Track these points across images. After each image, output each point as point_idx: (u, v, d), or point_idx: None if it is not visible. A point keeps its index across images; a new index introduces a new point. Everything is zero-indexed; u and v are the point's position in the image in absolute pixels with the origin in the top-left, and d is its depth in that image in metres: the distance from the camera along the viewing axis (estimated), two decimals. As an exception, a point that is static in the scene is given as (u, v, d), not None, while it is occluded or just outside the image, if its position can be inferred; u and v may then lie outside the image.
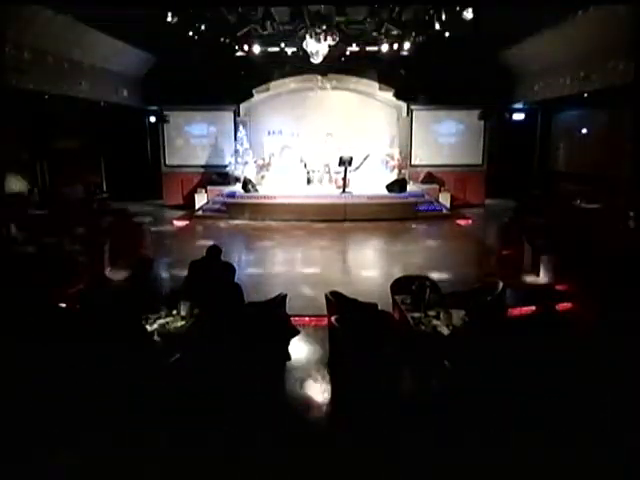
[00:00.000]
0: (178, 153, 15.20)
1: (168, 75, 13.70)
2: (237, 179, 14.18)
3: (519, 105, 14.97)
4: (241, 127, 14.42)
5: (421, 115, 15.04)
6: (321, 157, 13.83)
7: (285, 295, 5.25)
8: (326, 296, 5.17)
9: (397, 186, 13.30)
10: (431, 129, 15.08)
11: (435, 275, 6.04)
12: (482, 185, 14.90)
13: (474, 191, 14.87)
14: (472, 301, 4.93)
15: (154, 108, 14.93)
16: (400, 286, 5.52)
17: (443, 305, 4.90)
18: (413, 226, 11.88)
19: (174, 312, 4.80)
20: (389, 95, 14.94)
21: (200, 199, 13.94)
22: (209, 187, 14.16)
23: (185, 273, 5.55)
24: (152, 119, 15.24)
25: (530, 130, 15.44)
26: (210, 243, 5.74)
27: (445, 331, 4.54)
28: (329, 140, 13.84)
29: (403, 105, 15.00)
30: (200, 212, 13.32)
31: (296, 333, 5.15)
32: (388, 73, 14.20)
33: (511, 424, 3.89)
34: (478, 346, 4.19)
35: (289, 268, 8.62)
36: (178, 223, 12.52)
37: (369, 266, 8.96)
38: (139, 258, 8.10)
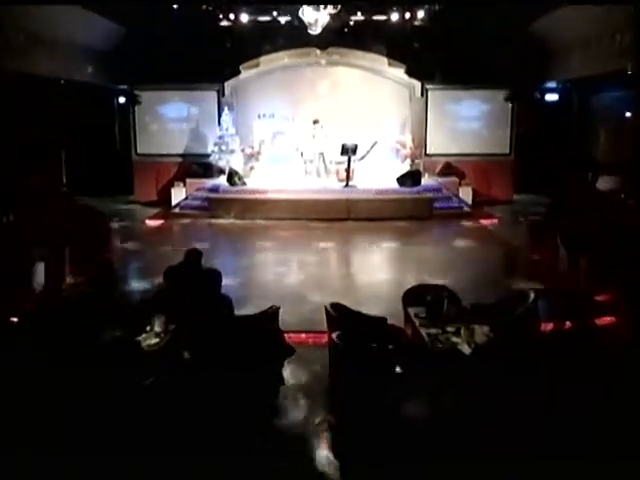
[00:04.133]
0: (152, 139, 15.21)
1: (140, 49, 13.69)
2: (221, 170, 14.18)
3: (552, 84, 15.00)
4: (226, 109, 14.44)
5: (438, 96, 15.07)
6: (314, 145, 13.85)
7: (278, 308, 5.24)
8: (326, 309, 5.16)
9: (409, 179, 13.31)
10: (449, 112, 15.11)
11: (454, 284, 6.03)
12: (509, 178, 14.92)
13: (500, 185, 14.89)
14: (498, 315, 4.92)
15: (123, 87, 14.94)
16: (413, 297, 5.51)
17: (464, 319, 4.89)
18: (428, 225, 11.90)
19: (147, 328, 4.78)
20: (400, 72, 14.97)
21: (177, 194, 13.94)
22: (188, 180, 14.17)
23: (159, 282, 5.53)
24: (121, 100, 15.26)
25: (565, 113, 15.47)
26: (189, 246, 5.73)
27: (466, 350, 4.53)
28: (319, 126, 13.83)
29: (416, 84, 15.03)
30: (177, 209, 13.31)
31: (291, 353, 5.13)
32: (399, 47, 14.25)
33: (543, 458, 3.88)
34: (505, 368, 4.17)
35: (282, 276, 8.61)
36: (151, 223, 12.51)
37: (376, 274, 8.95)
38: (103, 265, 8.10)
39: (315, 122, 13.74)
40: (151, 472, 3.88)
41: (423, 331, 4.88)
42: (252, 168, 14.33)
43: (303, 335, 6.07)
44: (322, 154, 13.85)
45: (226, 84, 15.04)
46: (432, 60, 14.20)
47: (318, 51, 14.67)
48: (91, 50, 13.65)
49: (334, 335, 4.79)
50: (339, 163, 13.83)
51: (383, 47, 14.64)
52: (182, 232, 11.89)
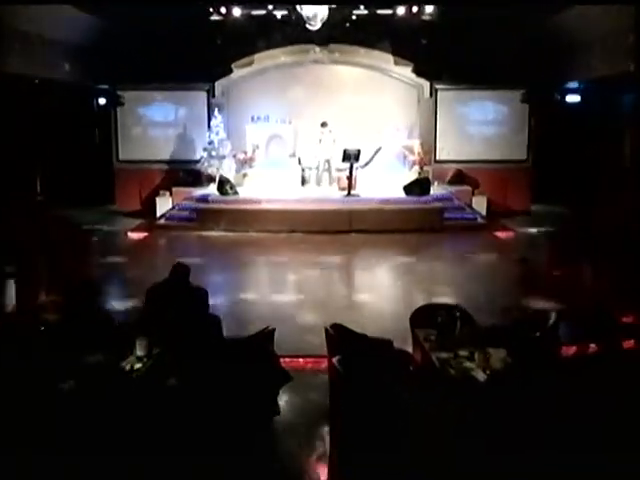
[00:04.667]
0: (135, 144, 15.29)
1: (123, 45, 13.78)
2: (211, 178, 14.24)
3: (573, 84, 15.08)
4: (216, 111, 14.53)
5: (448, 97, 15.17)
6: (320, 150, 13.91)
7: (273, 330, 5.23)
8: (326, 330, 5.15)
9: (417, 187, 13.36)
10: (461, 115, 15.22)
11: (467, 304, 6.03)
12: (527, 186, 14.97)
13: (517, 194, 14.94)
14: (516, 337, 4.91)
15: (104, 87, 15.01)
16: (422, 317, 5.50)
17: (478, 343, 4.88)
18: (438, 238, 11.91)
19: (129, 352, 4.77)
20: (407, 71, 15.09)
21: (163, 204, 13.99)
22: (174, 188, 14.22)
23: (142, 300, 5.53)
24: (102, 101, 15.33)
25: (588, 116, 15.54)
26: (175, 261, 5.73)
27: (481, 376, 4.51)
28: (327, 129, 13.92)
29: (425, 84, 15.14)
30: (163, 221, 13.34)
31: (287, 379, 5.12)
32: (406, 43, 14.35)
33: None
34: (524, 396, 4.16)
35: (278, 294, 8.60)
36: (134, 235, 12.53)
37: (381, 292, 8.95)
38: (81, 282, 8.07)
39: (323, 125, 13.85)
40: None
41: (433, 355, 4.86)
42: (245, 176, 14.39)
43: (301, 360, 6.05)
44: (328, 161, 13.87)
45: (217, 84, 15.15)
46: (442, 58, 14.22)
47: (317, 48, 14.78)
48: (68, 46, 13.71)
49: (335, 360, 4.78)
50: (340, 170, 13.89)
51: (388, 44, 14.77)
52: (168, 245, 11.90)
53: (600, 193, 13.77)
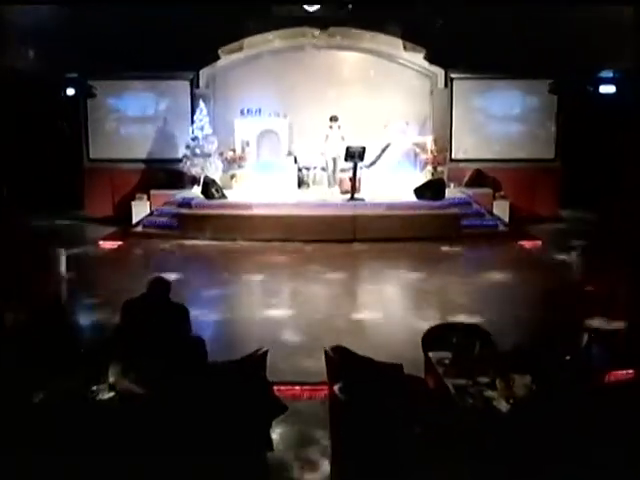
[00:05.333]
0: (108, 141, 15.35)
1: (94, 29, 13.85)
2: (195, 180, 14.28)
3: (608, 73, 15.14)
4: (201, 104, 14.59)
5: (466, 87, 15.26)
6: (328, 148, 13.96)
7: (265, 352, 5.22)
8: (326, 353, 5.15)
9: (431, 190, 13.38)
10: (480, 107, 15.30)
11: (487, 323, 6.03)
12: (556, 189, 15.04)
13: (544, 198, 15.00)
14: (543, 362, 4.91)
15: (73, 76, 15.05)
16: (436, 339, 5.50)
17: (500, 368, 4.87)
18: (454, 249, 11.92)
19: (100, 378, 4.76)
20: (418, 58, 15.16)
21: (139, 209, 14.02)
22: (153, 191, 14.25)
23: (115, 320, 5.53)
24: (70, 92, 15.35)
25: (625, 109, 15.57)
26: (154, 275, 5.74)
27: (503, 406, 4.51)
28: (337, 124, 13.97)
29: (439, 72, 15.22)
30: (139, 228, 13.35)
31: (282, 410, 5.11)
32: (417, 25, 14.42)
33: None
34: (552, 429, 4.16)
35: (271, 312, 8.59)
36: (106, 245, 12.53)
37: (389, 310, 8.94)
38: (45, 300, 8.07)
39: (333, 119, 13.94)
40: None
41: (449, 382, 4.85)
42: (233, 177, 14.42)
43: (297, 387, 6.04)
44: (335, 160, 13.97)
45: (201, 72, 15.22)
46: (458, 43, 14.26)
47: (316, 31, 14.89)
48: (31, 30, 13.77)
49: (336, 387, 4.77)
50: (342, 171, 13.94)
51: (397, 26, 14.84)
52: (145, 256, 11.89)
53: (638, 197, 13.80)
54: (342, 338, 6.87)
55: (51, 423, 4.28)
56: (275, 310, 8.73)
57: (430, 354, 5.38)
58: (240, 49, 15.18)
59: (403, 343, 6.89)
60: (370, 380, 4.77)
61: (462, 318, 7.71)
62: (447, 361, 5.13)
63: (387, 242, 12.00)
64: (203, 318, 8.01)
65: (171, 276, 6.15)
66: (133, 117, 15.40)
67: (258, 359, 5.16)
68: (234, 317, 8.46)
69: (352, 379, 4.79)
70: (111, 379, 4.76)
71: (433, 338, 5.57)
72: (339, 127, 13.96)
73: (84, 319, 8.22)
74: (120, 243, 12.61)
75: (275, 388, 5.27)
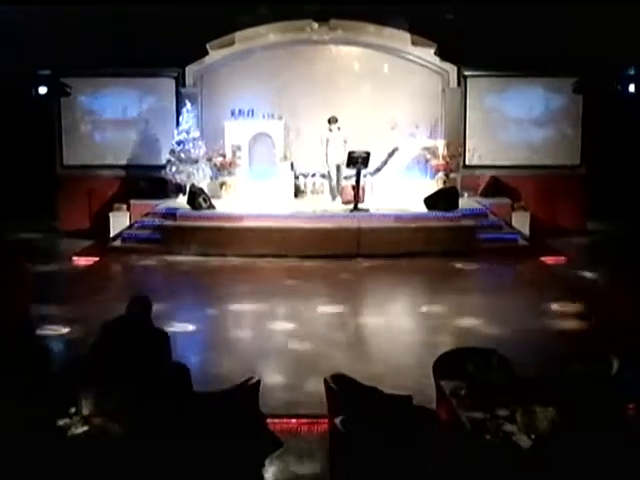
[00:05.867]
0: (83, 145, 15.40)
1: (68, 21, 13.90)
2: (180, 188, 14.29)
3: (638, 70, 15.19)
4: (188, 104, 14.61)
5: (481, 85, 15.32)
6: (329, 154, 13.96)
7: (258, 382, 5.20)
8: (326, 383, 5.13)
9: (442, 200, 13.39)
10: (497, 108, 15.35)
11: (506, 350, 5.99)
12: (582, 199, 15.05)
13: (569, 209, 15.02)
14: (569, 391, 4.89)
15: (45, 73, 15.08)
16: (449, 366, 5.48)
17: (521, 399, 4.85)
18: (468, 265, 11.91)
19: (71, 411, 4.74)
20: (428, 53, 15.21)
21: (118, 221, 14.03)
22: (133, 201, 14.26)
23: (90, 345, 5.50)
24: (42, 90, 15.39)
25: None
26: (134, 295, 5.72)
27: (524, 442, 4.48)
28: (336, 126, 13.98)
29: (451, 69, 15.27)
30: (118, 242, 13.34)
31: (276, 446, 5.08)
32: (426, 18, 14.48)
33: None
34: (578, 467, 4.13)
35: (264, 337, 8.57)
36: (80, 261, 12.51)
37: (396, 332, 8.92)
38: (14, 320, 8.04)
39: (331, 121, 13.92)
40: None
41: (464, 415, 4.83)
42: (223, 185, 14.43)
43: (293, 421, 6.02)
44: (339, 167, 13.89)
45: (188, 69, 15.26)
46: (473, 36, 14.30)
47: (315, 24, 14.95)
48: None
49: (337, 421, 4.76)
50: (345, 178, 13.96)
51: (404, 19, 14.91)
52: (124, 274, 11.88)
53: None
54: (343, 362, 6.87)
55: (15, 457, 4.25)
56: (269, 331, 8.72)
57: (442, 383, 5.36)
58: (231, 44, 15.23)
59: (412, 370, 6.86)
60: (375, 413, 4.75)
61: (476, 339, 7.68)
62: (461, 391, 5.11)
63: (394, 258, 12.00)
64: (187, 343, 7.99)
65: (152, 295, 6.12)
66: (111, 119, 15.43)
67: (250, 389, 5.13)
68: (224, 339, 8.44)
69: (355, 411, 4.77)
70: (84, 411, 4.73)
71: (446, 365, 5.54)
72: (339, 129, 13.93)
73: (55, 344, 8.19)
74: (96, 259, 12.58)
75: (269, 421, 5.24)
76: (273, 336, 8.63)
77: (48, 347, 7.96)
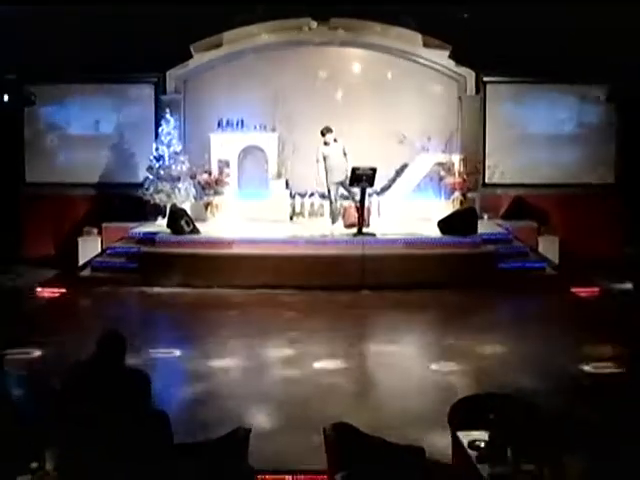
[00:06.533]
0: (49, 160, 15.48)
1: (34, 21, 13.97)
2: (159, 209, 14.30)
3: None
4: (168, 114, 14.68)
5: (502, 93, 15.43)
6: (319, 170, 13.95)
7: (248, 431, 5.20)
8: (325, 433, 5.12)
9: (459, 223, 13.39)
10: (520, 119, 15.47)
11: (533, 396, 5.99)
12: (616, 222, 15.08)
13: (604, 232, 15.03)
14: (604, 442, 4.88)
15: (10, 77, 15.10)
16: (466, 414, 5.47)
17: (550, 452, 4.85)
18: (489, 299, 11.90)
19: (33, 465, 4.73)
20: (442, 57, 15.32)
21: (88, 247, 14.04)
22: (106, 224, 14.30)
23: (54, 390, 5.49)
24: (3, 97, 15.42)
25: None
26: (105, 332, 5.72)
27: (554, 502, 4.48)
28: (331, 138, 13.96)
29: (468, 75, 15.37)
30: (88, 272, 13.32)
31: (268, 506, 5.06)
32: (439, 17, 14.57)
33: None
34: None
35: (255, 380, 8.55)
36: (44, 292, 12.48)
37: (406, 376, 8.89)
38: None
39: (325, 132, 13.67)
40: None
41: (484, 470, 4.83)
42: (209, 206, 14.45)
43: (288, 477, 5.99)
44: (340, 185, 13.74)
45: (169, 74, 15.36)
46: (492, 37, 14.35)
47: (313, 23, 15.06)
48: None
49: (338, 477, 4.74)
50: (347, 198, 13.92)
51: (414, 17, 14.97)
52: (94, 308, 11.84)
53: None
54: (345, 409, 6.83)
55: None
56: (260, 373, 8.70)
57: (459, 434, 5.35)
58: (218, 45, 15.33)
59: (423, 416, 6.85)
60: (382, 467, 4.74)
61: (498, 383, 7.64)
62: (481, 443, 5.10)
63: (404, 290, 11.96)
64: (167, 389, 7.96)
65: (127, 333, 6.10)
66: (81, 130, 15.52)
67: (238, 440, 5.12)
68: (210, 383, 8.41)
69: (359, 466, 4.76)
70: (48, 467, 4.73)
71: (462, 413, 5.54)
72: (335, 140, 13.70)
73: (14, 388, 8.16)
74: (62, 291, 12.55)
75: (260, 478, 5.22)
76: (264, 380, 8.60)
77: (7, 390, 7.98)
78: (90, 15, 13.82)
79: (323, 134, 13.66)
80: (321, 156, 13.66)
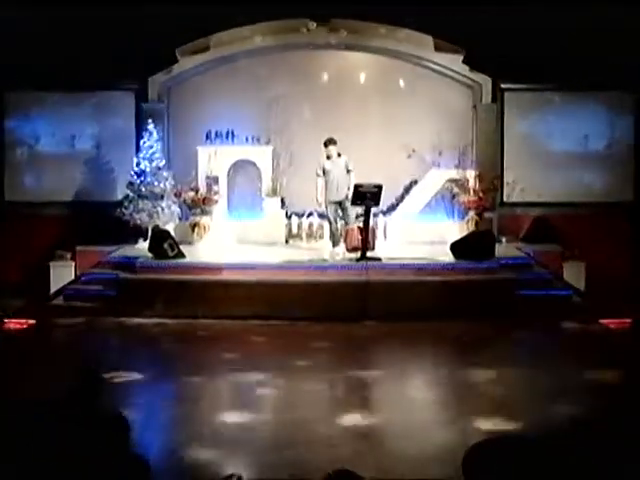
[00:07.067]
0: (17, 176, 15.52)
1: (4, 24, 14.01)
2: (140, 231, 14.31)
3: None
4: (151, 124, 14.71)
5: (522, 102, 15.49)
6: (318, 186, 13.94)
7: (239, 478, 5.20)
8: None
9: (474, 247, 13.38)
10: (542, 130, 15.52)
11: (557, 438, 5.98)
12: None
13: (637, 257, 14.99)
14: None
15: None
16: (484, 461, 5.46)
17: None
18: (508, 331, 11.88)
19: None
20: (455, 61, 15.38)
21: (61, 272, 14.09)
22: (80, 247, 14.32)
23: (21, 434, 5.49)
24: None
25: None
26: (78, 370, 5.73)
27: None
28: (334, 151, 13.94)
29: (484, 81, 15.43)
30: (60, 301, 13.28)
31: None
32: (452, 17, 14.63)
33: None
34: None
35: (247, 424, 8.53)
36: (11, 324, 12.45)
37: (416, 417, 8.86)
38: None
39: (328, 143, 13.66)
40: None
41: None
42: (195, 227, 14.44)
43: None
44: (341, 204, 13.76)
45: (151, 81, 15.41)
46: (511, 40, 14.37)
47: (312, 24, 15.12)
48: None
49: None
50: (346, 218, 13.89)
51: (424, 17, 14.97)
52: (66, 342, 11.81)
53: None
54: (349, 455, 6.80)
55: None
56: (253, 416, 8.67)
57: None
58: (206, 49, 15.39)
59: (434, 463, 6.84)
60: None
61: (517, 424, 7.65)
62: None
63: (413, 321, 11.89)
64: (148, 430, 7.94)
65: (105, 367, 6.08)
66: (53, 144, 15.57)
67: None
68: (196, 428, 8.39)
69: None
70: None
71: (478, 459, 5.52)
72: (339, 155, 13.71)
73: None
74: (31, 322, 12.52)
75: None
76: (255, 426, 8.58)
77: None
78: (63, 14, 13.85)
79: (326, 145, 13.68)
80: (321, 170, 13.70)
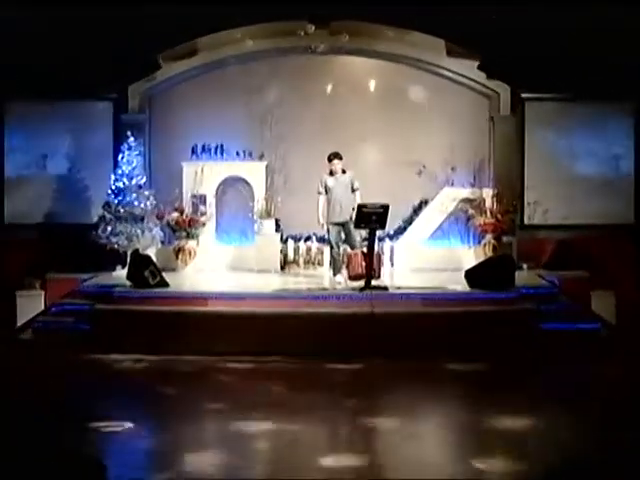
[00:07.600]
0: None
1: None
2: (117, 256, 14.30)
3: None
4: (130, 138, 14.77)
5: (544, 113, 15.53)
6: (319, 205, 13.90)
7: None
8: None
9: (492, 274, 13.39)
10: (567, 144, 15.55)
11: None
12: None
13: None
14: None
15: None
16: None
17: None
18: (532, 371, 11.87)
19: None
20: (470, 68, 15.43)
21: (29, 303, 14.09)
22: (51, 275, 14.33)
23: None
24: None
25: None
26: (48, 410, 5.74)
27: None
28: (339, 166, 13.88)
29: (502, 90, 15.50)
30: (29, 334, 13.28)
31: None
32: (466, 19, 14.68)
33: None
34: None
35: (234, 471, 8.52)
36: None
37: (425, 469, 8.85)
38: None
39: (333, 157, 13.64)
40: None
41: None
42: (180, 252, 14.46)
43: None
44: (344, 226, 13.73)
45: (131, 90, 15.50)
46: (531, 45, 14.43)
47: (310, 27, 15.17)
48: None
49: None
50: (350, 242, 13.91)
51: (434, 20, 15.01)
52: (34, 382, 11.79)
53: None
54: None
55: None
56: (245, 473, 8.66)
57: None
58: (192, 53, 15.45)
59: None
60: None
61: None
62: None
63: (422, 358, 11.89)
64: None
65: (77, 414, 6.06)
66: (21, 159, 15.67)
67: None
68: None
69: None
70: None
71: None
72: (344, 172, 13.71)
73: None
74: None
75: None
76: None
77: None
78: (33, 15, 13.92)
79: (330, 160, 13.68)
80: (323, 188, 13.69)
